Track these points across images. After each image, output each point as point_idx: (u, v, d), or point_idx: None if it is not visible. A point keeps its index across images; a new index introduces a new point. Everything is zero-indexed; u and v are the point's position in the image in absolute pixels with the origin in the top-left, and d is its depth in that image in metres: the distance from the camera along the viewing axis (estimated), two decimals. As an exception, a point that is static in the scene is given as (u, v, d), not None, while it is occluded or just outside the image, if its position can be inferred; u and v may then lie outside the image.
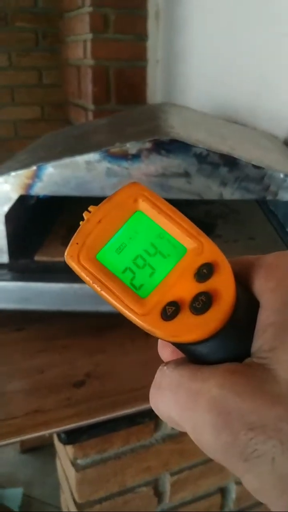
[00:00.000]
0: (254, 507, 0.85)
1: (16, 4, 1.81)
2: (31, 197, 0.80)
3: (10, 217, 0.70)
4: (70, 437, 0.58)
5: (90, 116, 1.58)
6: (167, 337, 0.21)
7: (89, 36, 1.48)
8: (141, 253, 0.23)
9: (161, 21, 1.51)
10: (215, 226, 0.89)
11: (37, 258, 0.73)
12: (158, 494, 0.74)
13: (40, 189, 0.67)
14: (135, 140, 0.66)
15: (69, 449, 0.62)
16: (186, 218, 0.23)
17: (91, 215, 0.23)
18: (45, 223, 0.85)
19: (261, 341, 0.20)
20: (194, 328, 0.21)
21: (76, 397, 0.58)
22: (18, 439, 0.52)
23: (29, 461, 1.64)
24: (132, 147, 0.65)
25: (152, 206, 0.23)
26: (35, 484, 1.56)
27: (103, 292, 0.22)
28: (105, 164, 0.66)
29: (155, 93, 1.58)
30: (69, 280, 0.69)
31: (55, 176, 0.66)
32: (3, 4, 1.80)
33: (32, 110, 1.98)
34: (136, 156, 0.66)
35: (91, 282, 0.22)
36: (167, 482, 0.73)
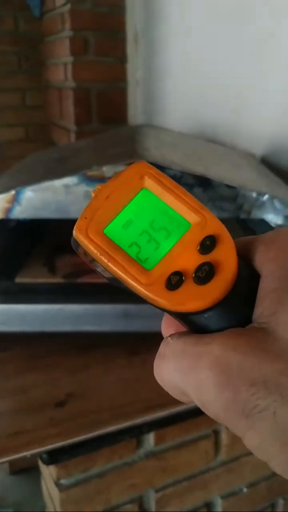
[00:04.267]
0: (240, 521, 0.85)
1: (-2, 28, 1.85)
2: (11, 220, 0.82)
3: (-10, 240, 0.71)
4: (52, 457, 0.58)
5: (73, 136, 1.60)
6: (171, 306, 0.22)
7: (70, 59, 1.51)
8: (147, 228, 0.24)
9: (139, 44, 1.55)
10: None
11: (18, 280, 0.74)
12: (144, 511, 0.74)
13: (19, 213, 0.68)
14: (111, 163, 0.68)
15: (52, 469, 0.63)
16: (189, 194, 0.24)
17: (99, 192, 0.24)
18: (27, 244, 0.86)
19: (262, 308, 0.21)
20: (198, 297, 0.21)
21: (58, 416, 0.59)
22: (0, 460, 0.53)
23: (19, 482, 1.62)
24: (108, 170, 0.67)
25: (157, 183, 0.24)
26: (25, 505, 1.55)
27: (110, 264, 0.23)
28: (83, 187, 0.68)
29: (136, 113, 1.62)
30: (51, 301, 0.70)
31: (34, 200, 0.68)
32: (-15, 29, 1.83)
33: (17, 131, 2.00)
34: (113, 179, 0.68)
35: (98, 254, 0.23)
36: (152, 499, 0.74)
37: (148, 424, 0.61)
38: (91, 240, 0.23)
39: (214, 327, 0.22)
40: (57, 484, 0.65)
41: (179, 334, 0.22)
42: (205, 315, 0.22)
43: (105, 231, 0.23)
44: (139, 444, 0.67)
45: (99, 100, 1.57)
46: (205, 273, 0.21)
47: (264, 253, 0.22)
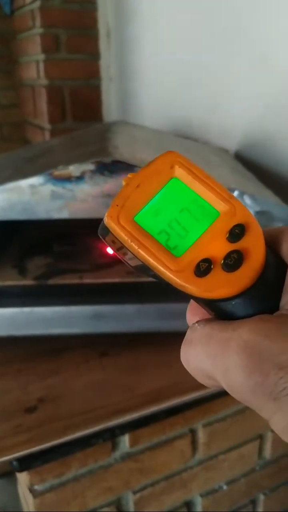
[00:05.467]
0: (221, 518, 0.85)
1: None
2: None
3: None
4: (23, 464, 0.57)
5: (47, 135, 1.58)
6: (200, 292, 0.22)
7: (41, 56, 1.49)
8: (176, 216, 0.24)
9: (112, 40, 1.54)
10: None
11: (-14, 283, 0.72)
12: (122, 514, 0.74)
13: (-15, 215, 0.66)
14: (78, 162, 0.67)
15: (25, 475, 0.62)
16: (219, 184, 0.24)
17: (130, 180, 0.24)
18: (-3, 246, 0.85)
19: None
20: (226, 284, 0.22)
21: (27, 423, 0.58)
22: None
23: (3, 486, 1.60)
24: (75, 169, 0.66)
25: (187, 173, 0.24)
26: (9, 509, 1.53)
27: (140, 250, 0.23)
28: (49, 187, 0.67)
29: (110, 110, 1.60)
30: (20, 304, 0.68)
31: (0, 202, 0.66)
32: None
33: (-9, 130, 1.97)
34: (80, 178, 0.67)
35: (129, 241, 0.23)
36: (130, 501, 0.73)
37: (121, 427, 0.60)
38: (122, 227, 0.23)
39: (240, 314, 0.22)
40: (31, 490, 0.64)
41: (206, 321, 0.23)
42: (233, 302, 0.22)
43: (135, 218, 0.24)
44: (114, 446, 0.67)
45: (72, 97, 1.55)
46: (233, 261, 0.22)
47: None
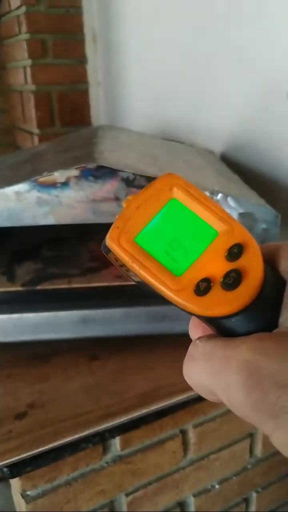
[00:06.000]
0: (214, 518, 0.86)
1: None
2: None
3: None
4: (14, 471, 0.57)
5: (36, 140, 1.58)
6: (200, 311, 0.23)
7: (28, 62, 1.50)
8: (176, 236, 0.25)
9: (98, 44, 1.55)
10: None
11: (-25, 290, 0.73)
12: (115, 516, 0.74)
13: None
14: (63, 168, 0.67)
15: (17, 481, 0.62)
16: (217, 204, 0.25)
17: (130, 203, 0.25)
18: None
19: (287, 313, 0.22)
20: (225, 302, 0.22)
21: (17, 429, 0.58)
22: None
23: (1, 490, 1.60)
24: (60, 175, 0.67)
25: (186, 194, 0.25)
26: (6, 514, 1.53)
27: (141, 271, 0.24)
28: (35, 194, 0.67)
29: (98, 114, 1.61)
30: (9, 311, 0.69)
31: (-15, 209, 0.67)
32: None
33: (-20, 136, 1.97)
34: (65, 184, 0.67)
35: (130, 262, 0.24)
36: (123, 503, 0.74)
37: (111, 430, 0.61)
38: (123, 249, 0.24)
39: (241, 331, 0.23)
40: (23, 495, 0.64)
41: (208, 337, 0.24)
42: (233, 320, 0.23)
43: (136, 239, 0.25)
44: (105, 449, 0.67)
45: (60, 102, 1.55)
46: (232, 280, 0.23)
47: None
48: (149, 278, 0.24)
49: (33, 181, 0.66)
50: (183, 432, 0.75)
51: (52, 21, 1.47)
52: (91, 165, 0.66)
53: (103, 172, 0.67)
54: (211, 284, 0.23)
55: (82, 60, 1.55)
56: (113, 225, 0.25)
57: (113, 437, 0.63)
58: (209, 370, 0.22)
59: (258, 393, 0.20)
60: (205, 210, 0.25)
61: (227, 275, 0.23)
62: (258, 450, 0.87)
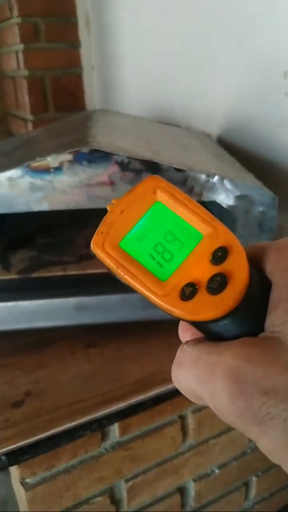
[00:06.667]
0: (214, 502, 0.86)
1: None
2: None
3: None
4: (12, 459, 0.57)
5: (30, 126, 1.56)
6: (186, 315, 0.23)
7: (21, 46, 1.47)
8: (161, 240, 0.24)
9: (91, 27, 1.51)
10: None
11: None
12: (115, 502, 0.74)
13: None
14: (55, 152, 0.66)
15: (15, 469, 0.62)
16: (201, 207, 0.25)
17: (114, 207, 0.25)
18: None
19: (273, 316, 0.21)
20: (211, 307, 0.22)
21: (14, 417, 0.57)
22: None
23: (3, 479, 1.61)
24: (53, 160, 0.65)
25: (169, 197, 0.25)
26: (9, 503, 1.54)
27: (126, 277, 0.24)
28: (28, 179, 0.66)
29: (93, 98, 1.58)
30: (3, 299, 0.68)
31: (-23, 196, 0.65)
32: None
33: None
34: (58, 169, 0.66)
35: (115, 267, 0.24)
36: (122, 489, 0.74)
37: (109, 417, 0.60)
38: (107, 254, 0.24)
39: (228, 334, 0.22)
40: (23, 483, 0.64)
41: (195, 341, 0.23)
42: (219, 324, 0.22)
43: (120, 244, 0.24)
44: (104, 436, 0.67)
45: (54, 87, 1.53)
46: (217, 284, 0.22)
47: (276, 261, 0.23)
48: (134, 283, 0.24)
49: (26, 166, 0.65)
50: (182, 418, 0.75)
51: (44, 4, 1.44)
52: (84, 149, 0.65)
53: (97, 156, 0.65)
54: (197, 289, 0.23)
55: (75, 44, 1.52)
56: (97, 230, 0.25)
57: (112, 423, 0.62)
58: (195, 376, 0.22)
59: (242, 400, 0.19)
60: (189, 213, 0.25)
61: (212, 279, 0.23)
62: (258, 434, 0.87)
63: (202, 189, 0.68)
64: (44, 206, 0.67)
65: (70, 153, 0.65)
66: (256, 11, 0.87)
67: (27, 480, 0.64)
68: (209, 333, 0.23)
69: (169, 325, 0.65)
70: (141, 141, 0.80)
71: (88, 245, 0.79)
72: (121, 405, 0.60)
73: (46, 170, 0.66)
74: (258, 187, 0.69)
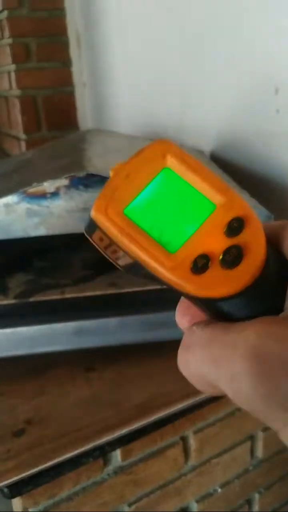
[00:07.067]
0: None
1: None
2: None
3: None
4: (14, 491, 0.56)
5: (23, 145, 1.57)
6: (197, 291, 0.21)
7: (12, 67, 1.48)
8: (169, 209, 0.22)
9: (82, 46, 1.53)
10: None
11: None
12: (119, 527, 0.73)
13: None
14: (52, 178, 0.66)
15: (17, 499, 0.61)
16: (214, 175, 0.23)
17: (118, 170, 0.23)
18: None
19: None
20: (226, 282, 0.20)
21: (16, 448, 0.57)
22: None
23: (5, 507, 1.59)
24: (49, 185, 0.66)
25: (180, 162, 0.23)
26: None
27: (131, 245, 0.21)
28: (25, 205, 0.66)
29: (85, 117, 1.59)
30: (2, 325, 0.68)
31: (-26, 222, 0.66)
32: None
33: None
34: (55, 194, 0.66)
35: (119, 235, 0.21)
36: (126, 514, 0.73)
37: (111, 443, 0.60)
38: (111, 220, 0.21)
39: (240, 315, 0.21)
40: (25, 513, 0.63)
41: (206, 323, 0.21)
42: (233, 301, 0.20)
43: (125, 211, 0.22)
44: (106, 462, 0.66)
45: (46, 106, 1.53)
46: (233, 257, 0.20)
47: None
48: (140, 254, 0.21)
49: (22, 192, 0.65)
50: (184, 439, 0.75)
51: (35, 25, 1.45)
52: (80, 174, 0.65)
53: (93, 180, 0.66)
54: (210, 261, 0.21)
55: (66, 62, 1.54)
56: (99, 194, 0.22)
57: (114, 449, 0.62)
58: (209, 358, 0.20)
59: (267, 383, 0.18)
60: (201, 181, 0.22)
61: (226, 251, 0.21)
62: (259, 451, 0.87)
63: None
64: (41, 231, 0.67)
65: (66, 178, 0.65)
66: (248, 27, 0.88)
67: (30, 510, 0.63)
68: (220, 313, 0.21)
69: (168, 346, 0.65)
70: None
71: (85, 267, 0.78)
72: (123, 431, 0.60)
73: (42, 196, 0.66)
74: (254, 206, 0.70)
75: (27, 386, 0.67)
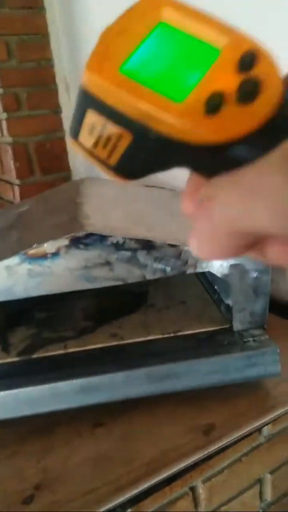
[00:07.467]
0: None
1: None
2: None
3: None
4: None
5: (17, 190, 1.59)
6: (212, 134, 0.19)
7: (4, 115, 1.51)
8: (170, 63, 0.20)
9: (71, 92, 1.57)
10: (146, 294, 0.92)
11: None
12: None
13: None
14: (52, 238, 0.68)
15: None
16: (213, 17, 0.21)
17: (108, 29, 0.21)
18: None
19: None
20: (243, 118, 0.19)
21: (26, 515, 0.56)
22: None
23: None
24: (50, 246, 0.67)
25: (177, 13, 0.21)
26: None
27: (133, 100, 0.19)
28: (26, 266, 0.67)
29: (76, 162, 1.62)
30: (6, 386, 0.68)
31: (-23, 286, 0.66)
32: None
33: None
34: (55, 254, 0.67)
35: (119, 90, 0.20)
36: None
37: (122, 505, 0.59)
38: (107, 77, 0.20)
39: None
40: None
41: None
42: (249, 143, 0.19)
43: (121, 69, 0.20)
44: (117, 520, 0.66)
45: (38, 152, 1.57)
46: (249, 89, 0.19)
47: None
48: (144, 108, 0.19)
49: (23, 254, 0.67)
50: (193, 489, 0.74)
51: (25, 75, 1.50)
52: (80, 234, 0.67)
53: (93, 239, 0.67)
54: (224, 99, 0.19)
55: (56, 110, 1.58)
56: (91, 53, 0.20)
57: (125, 510, 0.62)
58: (241, 193, 0.18)
59: None
60: (202, 28, 0.21)
61: (242, 85, 0.19)
62: (268, 494, 0.86)
63: (196, 261, 0.70)
64: (43, 291, 0.68)
65: (66, 238, 0.67)
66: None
67: None
68: (234, 164, 0.20)
69: (175, 397, 0.65)
70: (133, 216, 0.83)
71: (86, 317, 0.79)
72: (134, 491, 0.59)
73: (43, 256, 0.67)
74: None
75: (34, 447, 0.66)
